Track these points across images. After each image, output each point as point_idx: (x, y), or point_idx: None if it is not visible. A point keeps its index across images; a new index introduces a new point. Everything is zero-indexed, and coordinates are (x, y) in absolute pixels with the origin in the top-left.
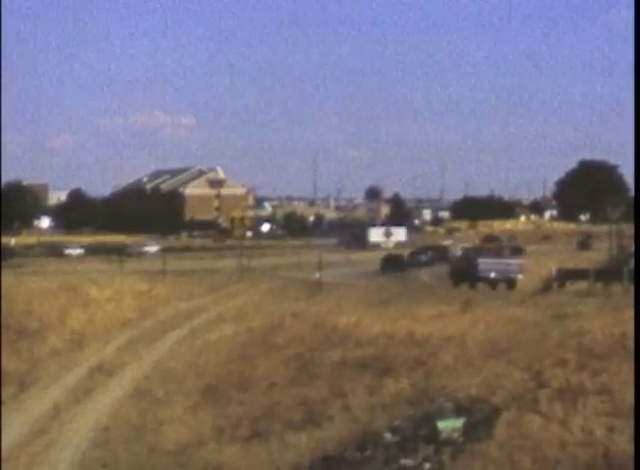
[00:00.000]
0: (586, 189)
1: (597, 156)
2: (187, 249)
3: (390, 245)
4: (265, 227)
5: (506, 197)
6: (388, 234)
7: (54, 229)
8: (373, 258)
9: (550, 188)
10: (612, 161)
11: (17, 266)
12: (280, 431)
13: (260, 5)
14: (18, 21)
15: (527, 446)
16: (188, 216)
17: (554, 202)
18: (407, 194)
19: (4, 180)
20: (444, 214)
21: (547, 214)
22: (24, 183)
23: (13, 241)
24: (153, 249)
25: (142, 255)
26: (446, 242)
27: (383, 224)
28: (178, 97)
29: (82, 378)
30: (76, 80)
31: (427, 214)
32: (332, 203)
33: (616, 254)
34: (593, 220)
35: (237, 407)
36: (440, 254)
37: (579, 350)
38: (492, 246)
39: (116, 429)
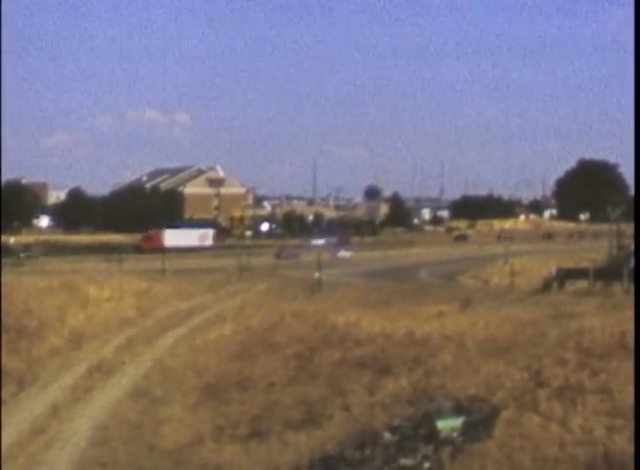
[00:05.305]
0: (586, 188)
1: (597, 155)
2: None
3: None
4: (264, 226)
5: (506, 196)
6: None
7: (53, 228)
8: (373, 258)
9: (550, 187)
10: (612, 160)
11: (16, 265)
12: (279, 430)
13: (257, 2)
14: (17, 21)
15: (527, 446)
16: (187, 215)
17: (554, 201)
18: (406, 193)
19: (3, 179)
20: (444, 214)
21: (547, 214)
22: (24, 182)
23: (12, 240)
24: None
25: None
26: None
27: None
28: (176, 96)
29: (81, 377)
30: (74, 79)
31: (426, 214)
32: (331, 202)
33: (615, 253)
34: (593, 219)
35: (236, 406)
36: None
37: (579, 349)
38: None
39: (116, 428)
